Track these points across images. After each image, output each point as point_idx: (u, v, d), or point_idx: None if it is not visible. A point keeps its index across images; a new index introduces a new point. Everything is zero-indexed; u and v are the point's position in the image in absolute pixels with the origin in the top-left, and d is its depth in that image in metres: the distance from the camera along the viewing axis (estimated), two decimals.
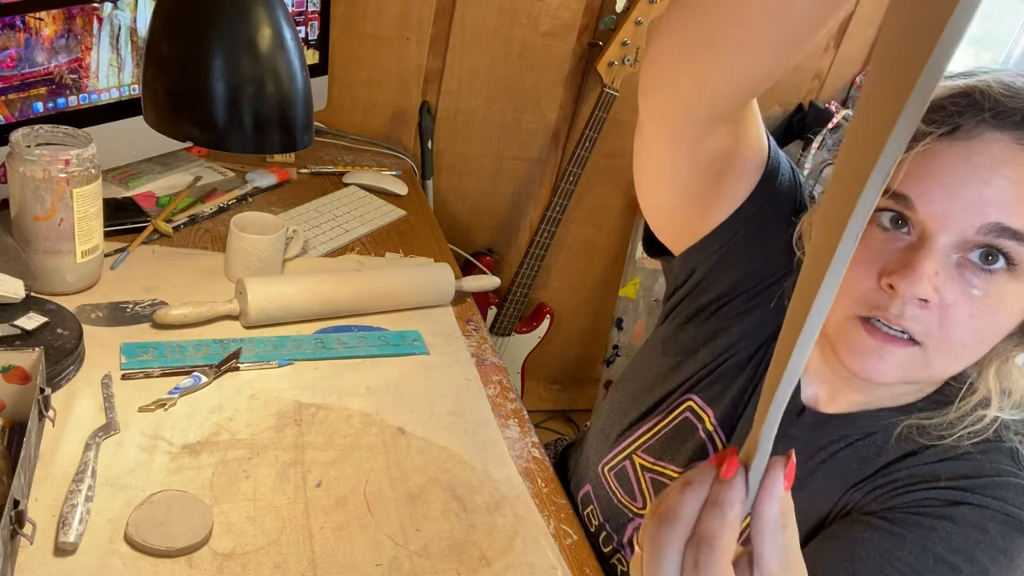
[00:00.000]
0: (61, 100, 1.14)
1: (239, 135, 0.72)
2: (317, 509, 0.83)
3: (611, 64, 1.75)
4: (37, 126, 0.98)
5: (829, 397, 0.78)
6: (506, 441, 0.99)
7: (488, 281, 1.29)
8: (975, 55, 3.07)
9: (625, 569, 0.88)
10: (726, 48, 0.59)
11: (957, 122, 0.63)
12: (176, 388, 0.92)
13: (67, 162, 0.95)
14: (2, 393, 0.82)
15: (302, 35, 1.46)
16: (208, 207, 1.31)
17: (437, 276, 1.21)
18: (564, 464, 1.08)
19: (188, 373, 0.95)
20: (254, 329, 1.07)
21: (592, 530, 0.92)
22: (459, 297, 1.25)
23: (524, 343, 2.10)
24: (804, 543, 0.73)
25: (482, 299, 1.99)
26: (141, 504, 0.77)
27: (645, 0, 1.70)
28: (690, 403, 0.85)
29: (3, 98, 1.06)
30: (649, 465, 0.86)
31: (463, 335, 1.18)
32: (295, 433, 0.92)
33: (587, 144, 1.80)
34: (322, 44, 1.51)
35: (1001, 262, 0.62)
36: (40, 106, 1.11)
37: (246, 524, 0.79)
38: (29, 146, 0.96)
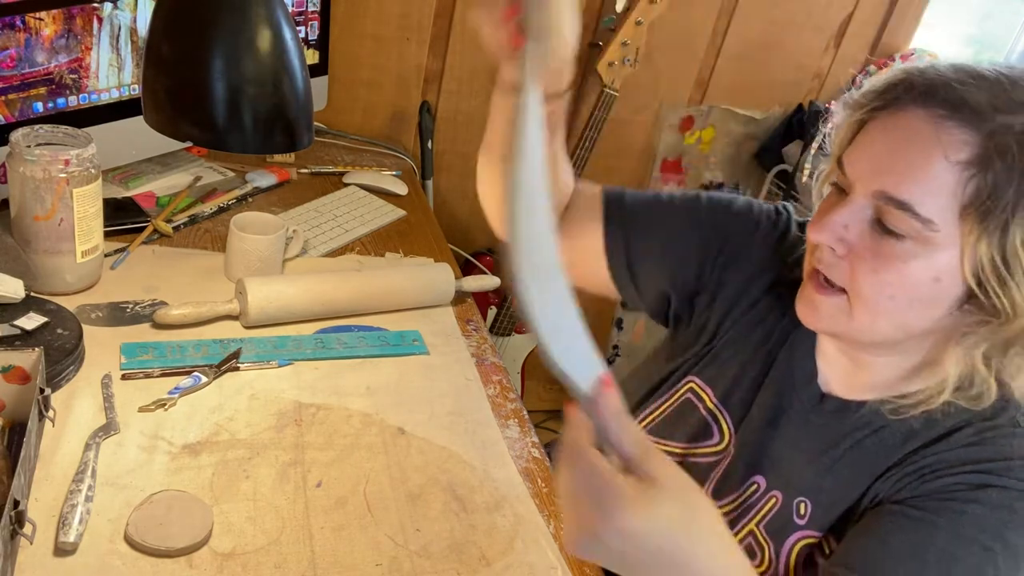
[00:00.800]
0: (61, 100, 1.14)
1: (239, 135, 0.72)
2: (317, 509, 0.83)
3: (611, 64, 1.75)
4: (37, 126, 0.98)
5: (845, 382, 0.81)
6: (506, 441, 0.99)
7: (488, 281, 1.29)
8: (975, 55, 3.07)
9: None
10: None
11: (889, 98, 0.70)
12: (176, 388, 0.92)
13: (67, 162, 0.95)
14: (2, 393, 0.82)
15: (302, 35, 1.46)
16: (208, 207, 1.31)
17: (437, 276, 1.21)
18: None
19: (188, 373, 0.95)
20: (254, 329, 1.07)
21: None
22: (459, 297, 1.25)
23: (524, 343, 2.10)
24: (834, 528, 0.76)
25: (482, 299, 1.99)
26: (141, 504, 0.77)
27: (645, 0, 1.70)
28: (691, 384, 0.90)
29: (3, 98, 1.06)
30: (656, 444, 0.87)
31: (463, 335, 1.18)
32: (295, 433, 0.92)
33: (587, 144, 1.80)
34: (322, 44, 1.51)
35: (894, 230, 0.67)
36: (40, 106, 1.11)
37: (246, 524, 0.79)
38: (29, 146, 0.96)
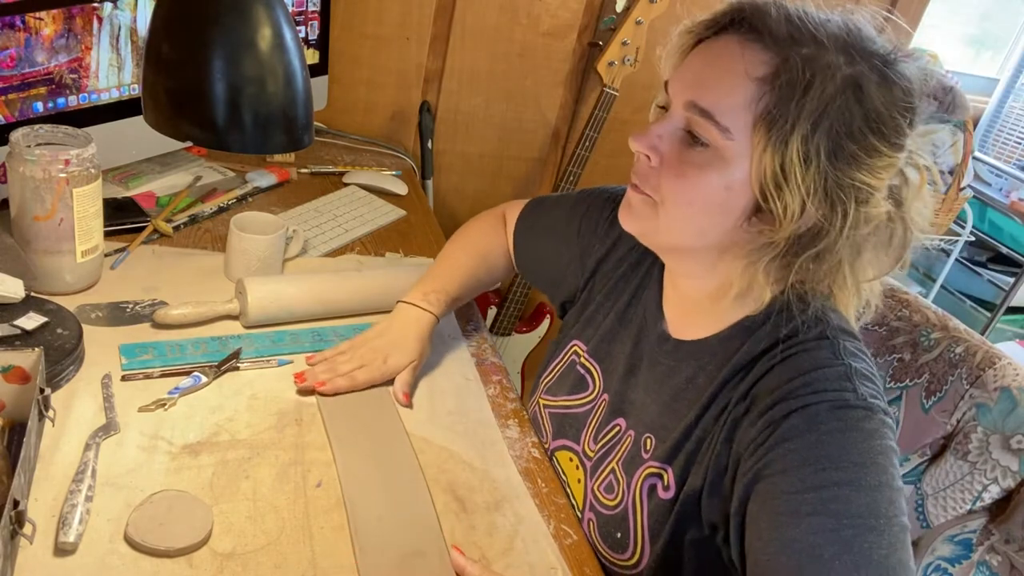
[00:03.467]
0: (61, 100, 1.14)
1: (239, 135, 0.72)
2: (317, 509, 0.83)
3: (611, 64, 1.75)
4: (37, 126, 0.98)
5: (682, 323, 0.89)
6: (506, 441, 0.99)
7: None
8: (975, 55, 3.07)
9: None
10: None
11: (716, 28, 0.77)
12: (176, 388, 0.92)
13: (67, 162, 0.95)
14: (2, 393, 0.82)
15: (302, 35, 1.46)
16: (208, 207, 1.31)
17: None
18: None
19: (188, 373, 0.95)
20: (253, 327, 1.07)
21: None
22: None
23: (524, 343, 2.10)
24: (670, 459, 0.84)
25: (482, 299, 1.99)
26: (141, 504, 0.77)
27: (645, 0, 1.71)
28: (574, 347, 1.02)
29: (3, 98, 1.06)
30: (547, 402, 1.03)
31: (463, 335, 1.18)
32: (295, 433, 0.92)
33: (587, 144, 1.80)
34: (322, 44, 1.51)
35: (699, 140, 0.75)
36: (40, 106, 1.11)
37: (246, 524, 0.79)
38: (29, 146, 0.96)
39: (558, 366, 1.03)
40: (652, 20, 1.73)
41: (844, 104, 0.70)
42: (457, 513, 0.87)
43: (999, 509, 0.92)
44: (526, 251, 1.14)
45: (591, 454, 0.93)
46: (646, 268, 0.96)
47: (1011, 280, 2.70)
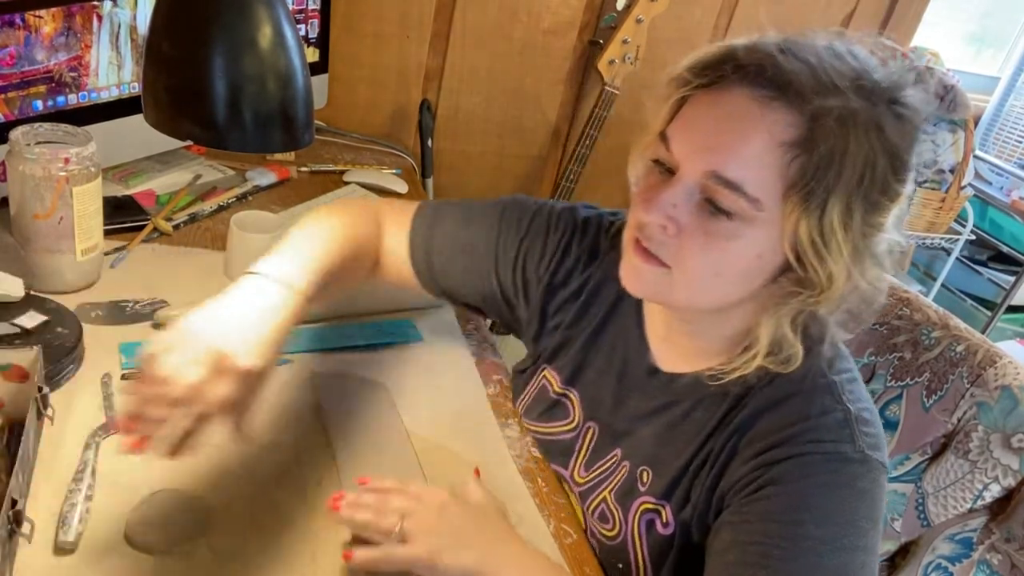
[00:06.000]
0: (61, 98, 1.13)
1: (239, 133, 0.72)
2: (317, 509, 0.83)
3: (612, 62, 1.75)
4: (37, 124, 0.98)
5: (671, 356, 0.86)
6: (506, 440, 0.99)
7: None
8: (976, 54, 3.06)
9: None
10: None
11: (713, 76, 0.70)
12: None
13: (67, 160, 0.95)
14: (1, 392, 0.82)
15: (302, 33, 1.46)
16: (208, 205, 1.31)
17: None
18: None
19: None
20: None
21: None
22: None
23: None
24: (667, 495, 0.82)
25: None
26: (141, 504, 0.77)
27: None
28: (545, 373, 0.98)
29: (3, 96, 1.06)
30: (528, 425, 1.00)
31: (463, 335, 1.18)
32: (295, 433, 0.92)
33: (588, 142, 1.80)
34: (322, 42, 1.51)
35: (724, 209, 0.69)
36: (40, 104, 1.11)
37: (246, 524, 0.79)
38: (29, 144, 0.96)
39: (531, 390, 1.00)
40: (652, 18, 1.73)
41: (873, 156, 0.67)
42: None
43: (1000, 508, 0.92)
44: (436, 259, 0.97)
45: (580, 481, 0.92)
46: (612, 295, 0.91)
47: (1012, 279, 2.70)
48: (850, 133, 0.66)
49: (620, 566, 0.86)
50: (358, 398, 0.99)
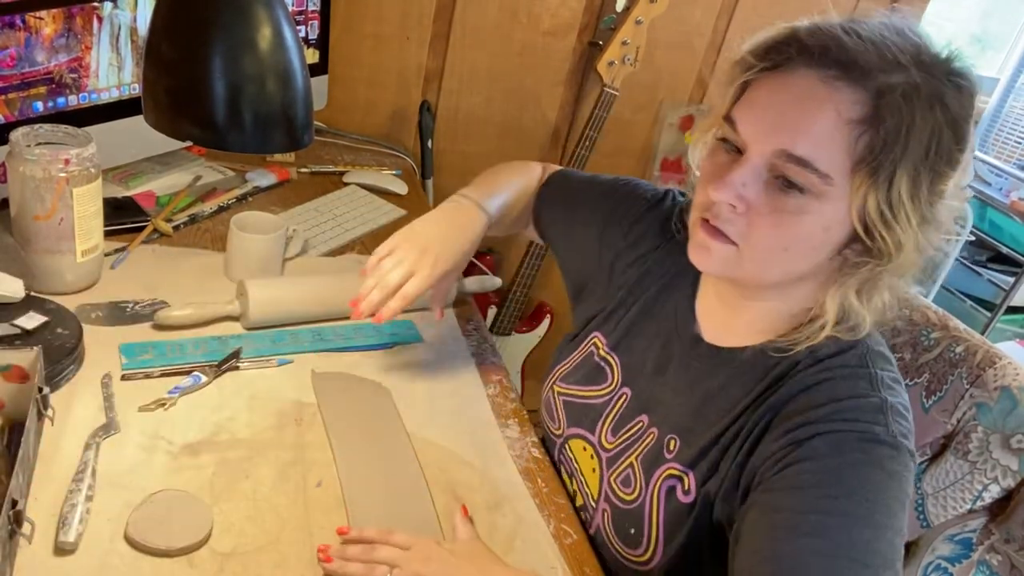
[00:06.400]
0: (61, 99, 1.14)
1: (239, 134, 0.72)
2: (317, 509, 0.83)
3: (611, 63, 1.75)
4: (37, 125, 0.98)
5: (721, 330, 0.87)
6: (506, 441, 0.99)
7: (490, 282, 1.28)
8: (976, 53, 3.06)
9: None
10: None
11: (777, 59, 0.73)
12: (176, 388, 0.92)
13: (67, 161, 0.95)
14: (1, 392, 0.82)
15: (302, 34, 1.46)
16: (208, 206, 1.31)
17: None
18: None
19: (188, 373, 0.95)
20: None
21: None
22: (460, 297, 1.25)
23: (524, 342, 2.10)
24: (694, 464, 0.82)
25: (482, 299, 1.99)
26: (141, 504, 0.77)
27: (645, 0, 1.70)
28: (594, 339, 1.00)
29: (3, 97, 1.06)
30: (561, 390, 1.01)
31: (463, 335, 1.18)
32: (295, 433, 0.92)
33: (587, 143, 1.80)
34: (322, 43, 1.51)
35: (794, 186, 0.71)
36: (40, 105, 1.11)
37: (246, 524, 0.79)
38: (29, 145, 0.96)
39: (576, 355, 1.02)
40: (652, 20, 1.73)
41: (938, 128, 0.69)
42: (457, 513, 0.87)
43: (999, 508, 0.92)
44: (549, 213, 1.12)
45: (608, 447, 0.92)
46: (673, 268, 0.95)
47: (1011, 280, 2.70)
48: (915, 108, 0.68)
49: (632, 531, 0.86)
50: (358, 398, 0.99)
